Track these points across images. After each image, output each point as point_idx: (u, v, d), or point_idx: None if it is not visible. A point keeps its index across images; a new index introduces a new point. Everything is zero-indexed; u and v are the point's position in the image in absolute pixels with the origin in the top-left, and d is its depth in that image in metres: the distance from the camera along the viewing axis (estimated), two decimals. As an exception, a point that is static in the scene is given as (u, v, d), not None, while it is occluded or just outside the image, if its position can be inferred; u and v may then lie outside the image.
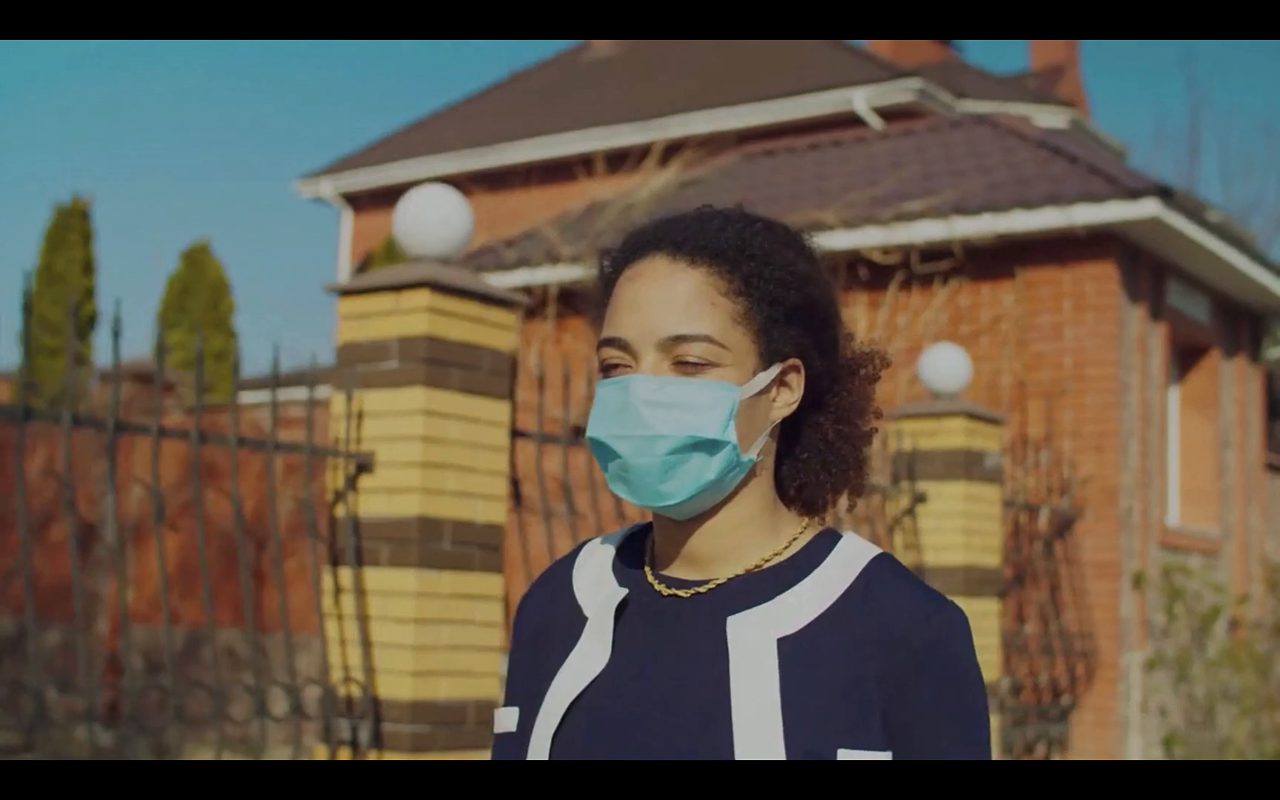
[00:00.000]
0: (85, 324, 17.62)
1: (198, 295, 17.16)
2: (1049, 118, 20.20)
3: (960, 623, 1.38)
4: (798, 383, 1.47)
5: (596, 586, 1.53)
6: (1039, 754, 9.05)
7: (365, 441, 4.87)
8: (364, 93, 63.27)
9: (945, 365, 7.76)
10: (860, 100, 18.05)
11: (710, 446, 1.39)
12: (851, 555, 1.45)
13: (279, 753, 6.50)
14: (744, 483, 1.46)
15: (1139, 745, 9.50)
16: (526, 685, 1.53)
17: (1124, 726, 9.38)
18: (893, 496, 7.69)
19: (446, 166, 21.87)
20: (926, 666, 1.36)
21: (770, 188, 11.51)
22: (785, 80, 19.82)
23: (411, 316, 4.78)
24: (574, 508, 5.37)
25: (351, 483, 4.90)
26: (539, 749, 1.44)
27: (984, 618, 7.82)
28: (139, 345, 54.92)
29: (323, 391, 10.30)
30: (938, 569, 7.69)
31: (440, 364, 4.75)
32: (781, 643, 1.38)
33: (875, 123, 17.66)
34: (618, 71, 23.57)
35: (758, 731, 1.33)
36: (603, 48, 24.86)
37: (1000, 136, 11.02)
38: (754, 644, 1.38)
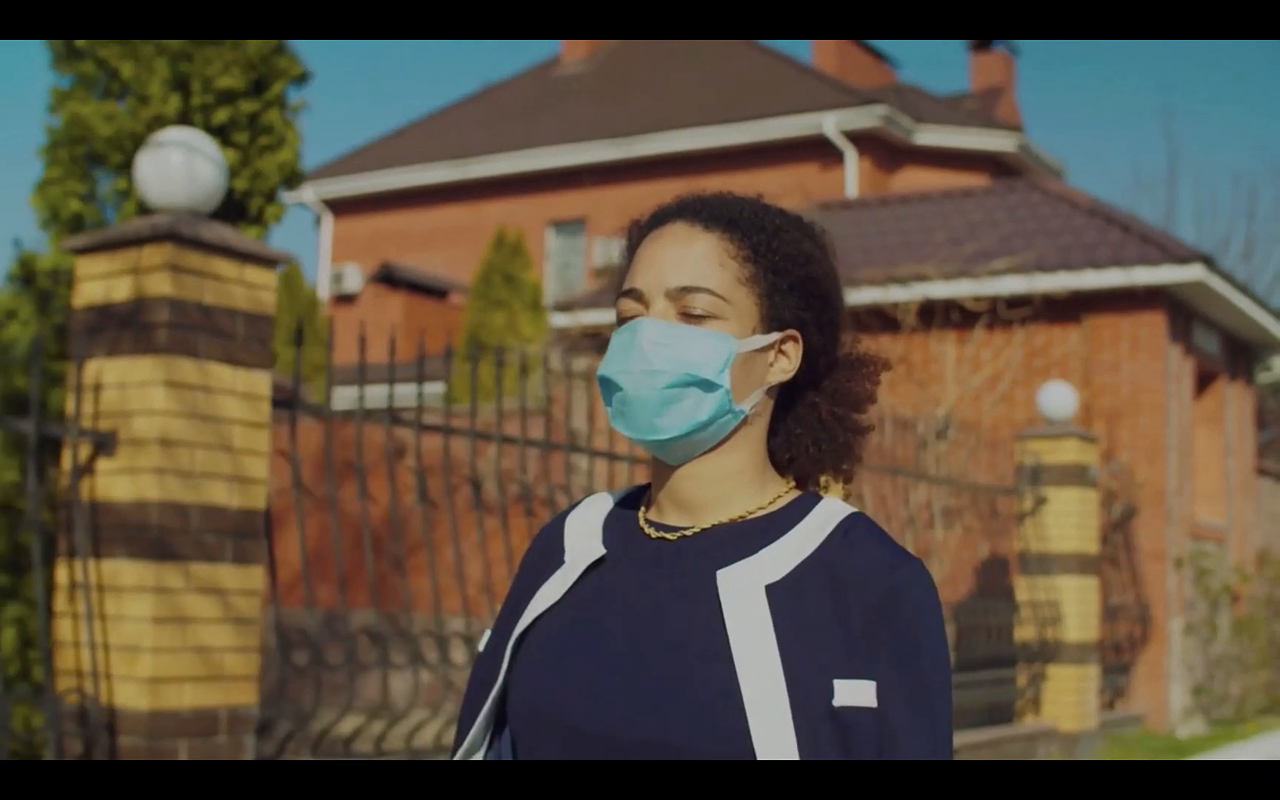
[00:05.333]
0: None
1: (290, 312, 19.04)
2: (998, 141, 22.36)
3: (922, 576, 1.46)
4: (795, 353, 1.56)
5: (584, 534, 1.61)
6: (1105, 699, 11.52)
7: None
8: (341, 101, 64.62)
9: (1059, 397, 10.20)
10: (830, 124, 19.31)
11: (704, 386, 1.49)
12: (831, 511, 1.53)
13: (417, 716, 7.00)
14: (735, 435, 1.54)
15: (1178, 693, 12.04)
16: (506, 616, 1.62)
17: (1168, 679, 11.91)
18: (1021, 499, 10.10)
19: (426, 177, 23.21)
20: (891, 615, 1.42)
21: (856, 239, 13.86)
22: (756, 103, 20.93)
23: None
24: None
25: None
26: (495, 675, 1.57)
27: (1089, 592, 10.28)
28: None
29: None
30: (1057, 555, 10.12)
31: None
32: (770, 589, 1.45)
33: (842, 145, 19.26)
34: (589, 88, 24.63)
35: (759, 672, 1.39)
36: (573, 63, 25.87)
37: (1052, 202, 13.48)
38: (744, 594, 1.45)
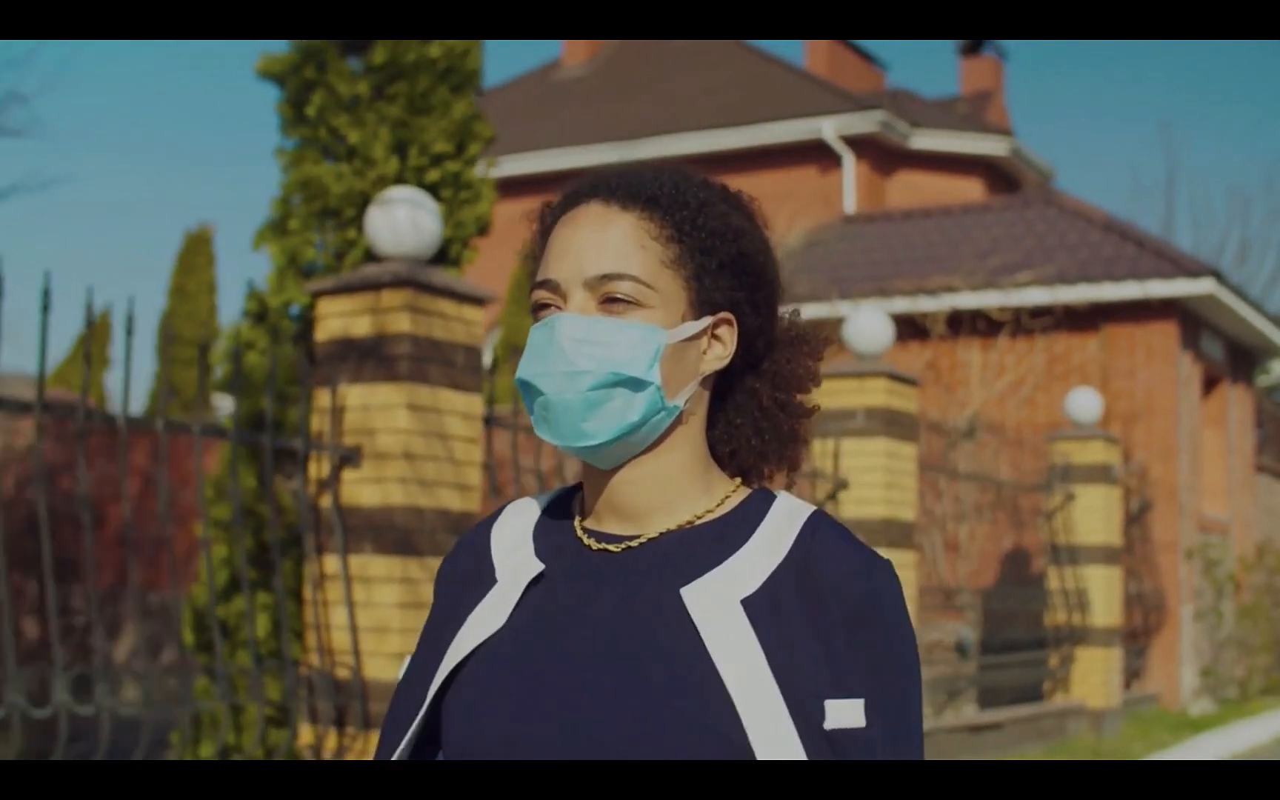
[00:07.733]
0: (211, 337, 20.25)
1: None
2: (991, 145, 23.07)
3: (893, 579, 1.36)
4: (730, 337, 1.42)
5: (514, 548, 1.46)
6: (1123, 679, 12.45)
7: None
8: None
9: (1086, 402, 11.12)
10: (829, 128, 19.42)
11: (633, 385, 1.35)
12: (791, 510, 1.39)
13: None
14: (671, 432, 1.40)
15: (1189, 674, 13.01)
16: (431, 640, 1.46)
17: (1180, 661, 12.86)
18: (1052, 495, 11.02)
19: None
20: (869, 624, 1.32)
21: (884, 251, 14.75)
22: (755, 107, 21.08)
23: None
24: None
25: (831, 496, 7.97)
26: (422, 701, 1.41)
27: (1114, 580, 11.22)
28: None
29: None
30: (1085, 546, 11.04)
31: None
32: (745, 604, 1.32)
33: (840, 149, 19.38)
34: (588, 92, 24.86)
35: (757, 695, 1.27)
36: (574, 67, 26.15)
37: (1068, 217, 14.41)
38: (721, 613, 1.32)
